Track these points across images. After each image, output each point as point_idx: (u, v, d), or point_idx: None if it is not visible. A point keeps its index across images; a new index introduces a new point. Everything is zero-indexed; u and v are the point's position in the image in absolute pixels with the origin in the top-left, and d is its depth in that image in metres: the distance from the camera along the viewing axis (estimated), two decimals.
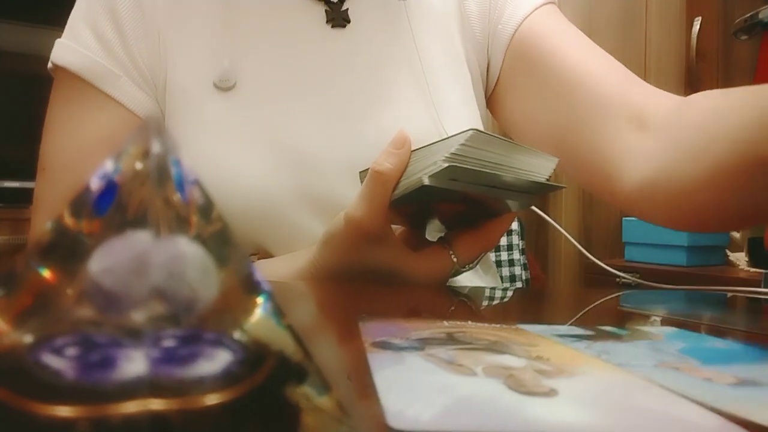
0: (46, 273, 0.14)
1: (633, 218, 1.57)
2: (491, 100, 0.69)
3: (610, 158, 0.57)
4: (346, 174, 0.55)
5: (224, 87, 0.58)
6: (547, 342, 0.27)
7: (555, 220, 0.70)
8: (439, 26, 0.65)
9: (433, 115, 0.60)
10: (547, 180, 0.45)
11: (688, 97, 0.54)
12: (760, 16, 1.43)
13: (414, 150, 0.44)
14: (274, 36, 0.60)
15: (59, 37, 0.60)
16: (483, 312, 0.42)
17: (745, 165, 0.43)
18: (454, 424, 0.16)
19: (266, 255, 0.56)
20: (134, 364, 0.13)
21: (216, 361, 0.14)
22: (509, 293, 0.62)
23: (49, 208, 0.59)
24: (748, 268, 1.47)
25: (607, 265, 0.65)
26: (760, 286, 1.09)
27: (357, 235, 0.45)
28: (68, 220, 0.15)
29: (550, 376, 0.21)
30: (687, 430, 0.17)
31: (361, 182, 0.45)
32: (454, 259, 0.47)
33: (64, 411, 0.13)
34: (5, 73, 1.69)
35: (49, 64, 0.60)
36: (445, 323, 0.30)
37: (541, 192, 0.47)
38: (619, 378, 0.22)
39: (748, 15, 1.48)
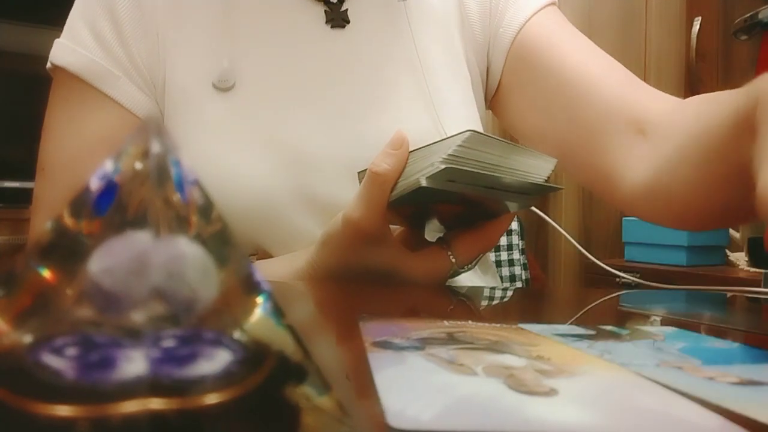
0: (46, 273, 0.14)
1: (633, 218, 1.57)
2: (494, 102, 0.69)
3: (610, 161, 0.58)
4: (346, 174, 0.55)
5: (223, 87, 0.58)
6: (548, 341, 0.27)
7: (555, 221, 0.70)
8: (439, 27, 0.65)
9: (433, 115, 0.60)
10: (546, 181, 0.45)
11: (686, 99, 0.55)
12: (760, 16, 1.43)
13: (412, 150, 0.44)
14: (273, 36, 0.60)
15: (59, 37, 0.60)
16: (483, 312, 0.42)
17: (728, 168, 0.43)
18: (454, 423, 0.16)
19: (265, 255, 0.56)
20: (134, 364, 0.13)
21: (216, 361, 0.14)
22: (509, 293, 0.62)
23: (49, 208, 0.59)
24: (748, 268, 1.47)
25: (607, 265, 0.65)
26: (760, 286, 1.10)
27: (355, 236, 0.45)
28: (68, 220, 0.15)
29: (551, 376, 0.21)
30: (688, 430, 0.17)
31: (360, 182, 0.45)
32: (453, 260, 0.47)
33: (64, 411, 0.13)
34: (5, 73, 1.69)
35: (48, 64, 0.60)
36: (446, 323, 0.30)
37: (539, 193, 0.47)
38: (619, 377, 0.22)
39: (748, 15, 1.48)
